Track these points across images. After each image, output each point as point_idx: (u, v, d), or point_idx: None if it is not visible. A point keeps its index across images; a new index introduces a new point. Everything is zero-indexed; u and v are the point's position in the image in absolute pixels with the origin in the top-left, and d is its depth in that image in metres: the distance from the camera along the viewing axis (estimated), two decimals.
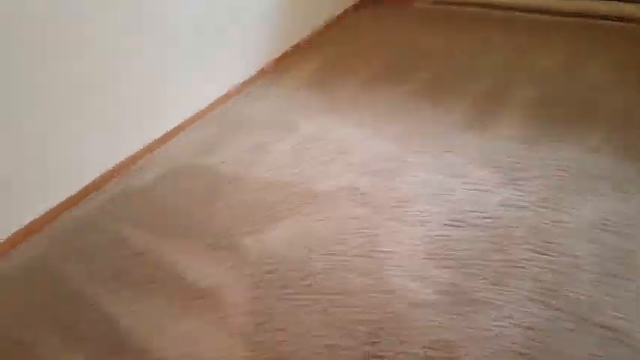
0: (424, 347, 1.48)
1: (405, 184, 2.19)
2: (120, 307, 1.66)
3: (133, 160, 2.42)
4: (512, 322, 1.54)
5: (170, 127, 2.63)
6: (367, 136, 2.55)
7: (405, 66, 3.28)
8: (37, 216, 2.01)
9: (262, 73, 3.29)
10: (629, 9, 3.76)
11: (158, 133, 2.56)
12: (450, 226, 1.95)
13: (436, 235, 1.90)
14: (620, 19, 3.78)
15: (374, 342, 1.50)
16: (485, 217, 1.98)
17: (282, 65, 3.39)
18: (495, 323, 1.54)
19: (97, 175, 2.26)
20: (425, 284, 1.70)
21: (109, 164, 2.31)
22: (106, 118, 2.24)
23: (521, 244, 1.84)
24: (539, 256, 1.79)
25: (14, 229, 1.94)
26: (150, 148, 2.51)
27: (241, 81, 3.13)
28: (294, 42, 3.61)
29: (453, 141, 2.46)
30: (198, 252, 1.87)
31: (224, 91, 2.99)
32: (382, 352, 1.46)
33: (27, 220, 1.98)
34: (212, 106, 2.90)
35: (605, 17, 3.84)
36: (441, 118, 2.66)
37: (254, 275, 1.75)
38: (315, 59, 3.46)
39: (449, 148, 2.42)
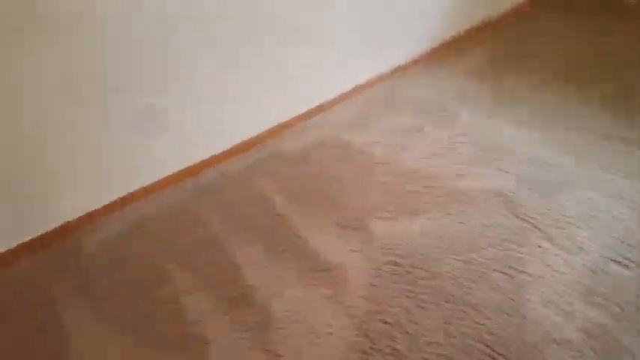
0: None
1: (568, 202, 1.91)
2: (248, 261, 1.75)
3: (287, 126, 2.54)
4: None
5: (327, 99, 2.69)
6: (532, 141, 2.29)
7: (585, 70, 2.85)
8: (191, 164, 2.23)
9: (430, 56, 3.15)
10: None
11: (315, 103, 2.64)
12: (615, 261, 1.66)
13: (596, 269, 1.63)
14: None
15: None
16: None
17: (451, 50, 3.21)
18: None
19: (251, 135, 2.42)
20: (569, 320, 1.47)
21: (264, 127, 2.46)
22: (273, 84, 2.37)
23: None
24: None
25: (167, 173, 2.17)
26: (306, 116, 2.61)
27: (406, 61, 3.04)
28: (467, 27, 3.36)
29: (633, 161, 2.08)
30: (330, 227, 1.88)
31: (387, 70, 2.94)
32: None
33: (183, 165, 2.21)
34: (372, 83, 2.88)
35: None
36: (622, 132, 2.26)
37: (378, 262, 1.71)
38: (487, 49, 3.19)
39: (629, 169, 2.05)
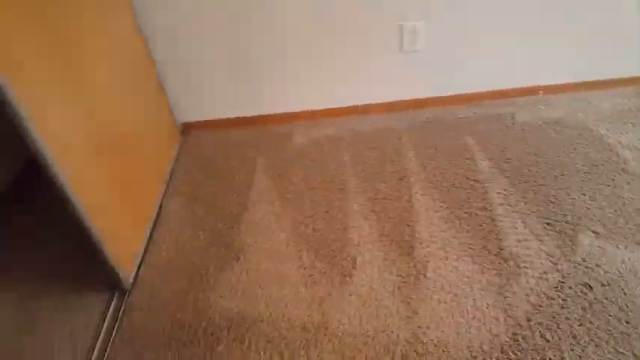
0: None
1: None
2: (426, 212, 1.75)
3: (533, 91, 2.39)
4: None
5: (591, 78, 2.38)
6: None
7: None
8: (410, 98, 2.29)
9: None
10: None
11: (574, 79, 2.39)
12: None
13: None
14: None
15: None
16: None
17: None
18: None
19: (492, 88, 2.35)
20: None
21: (510, 85, 2.36)
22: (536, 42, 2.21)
23: None
24: None
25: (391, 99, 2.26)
26: (558, 89, 2.40)
27: None
28: None
29: None
30: (529, 216, 1.72)
31: None
32: None
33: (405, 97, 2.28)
34: None
35: None
36: None
37: (568, 277, 1.51)
38: None
39: None
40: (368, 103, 2.29)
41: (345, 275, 1.56)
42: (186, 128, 2.33)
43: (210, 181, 2.03)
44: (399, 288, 1.51)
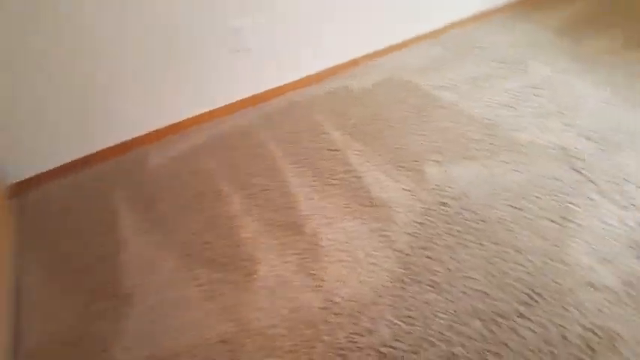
0: (585, 328, 1.36)
1: (632, 162, 1.88)
2: (302, 191, 1.90)
3: (358, 63, 2.63)
4: None
5: (402, 39, 2.72)
6: (603, 99, 2.21)
7: None
8: (262, 90, 2.40)
9: (513, 7, 3.03)
10: None
11: (387, 43, 2.70)
12: None
13: None
14: None
15: (529, 304, 1.43)
16: None
17: (536, 4, 3.06)
18: None
19: (319, 69, 2.54)
20: (612, 270, 1.51)
21: (333, 62, 2.57)
22: (344, 21, 2.45)
23: None
24: None
25: (238, 97, 2.37)
26: (376, 56, 2.67)
27: (488, 8, 2.95)
28: None
29: None
30: (385, 165, 1.98)
31: (465, 15, 2.88)
32: (534, 316, 1.40)
33: (254, 91, 2.39)
34: (449, 27, 2.85)
35: None
36: None
37: (428, 202, 1.79)
38: (573, 7, 3.02)
39: None
40: (213, 108, 2.33)
41: (248, 274, 1.61)
42: (21, 187, 2.06)
43: (70, 237, 1.82)
44: (300, 265, 1.62)
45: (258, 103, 2.41)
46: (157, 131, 2.24)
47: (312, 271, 1.60)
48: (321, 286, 1.55)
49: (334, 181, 1.93)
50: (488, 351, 1.32)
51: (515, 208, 1.74)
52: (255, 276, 1.60)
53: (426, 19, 2.76)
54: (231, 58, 2.20)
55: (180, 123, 2.28)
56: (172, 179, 2.03)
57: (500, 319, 1.39)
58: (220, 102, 2.33)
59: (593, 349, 1.32)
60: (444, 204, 1.79)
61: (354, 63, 2.62)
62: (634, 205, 1.70)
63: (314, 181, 1.94)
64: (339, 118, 2.26)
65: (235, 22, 2.11)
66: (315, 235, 1.72)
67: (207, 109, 2.32)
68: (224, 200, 1.90)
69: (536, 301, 1.44)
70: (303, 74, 2.50)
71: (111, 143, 2.16)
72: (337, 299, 1.50)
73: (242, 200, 1.89)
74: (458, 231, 1.68)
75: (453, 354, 1.32)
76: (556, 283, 1.49)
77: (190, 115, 2.29)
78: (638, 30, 2.70)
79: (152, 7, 1.87)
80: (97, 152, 2.14)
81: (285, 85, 2.46)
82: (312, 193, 1.89)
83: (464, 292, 1.48)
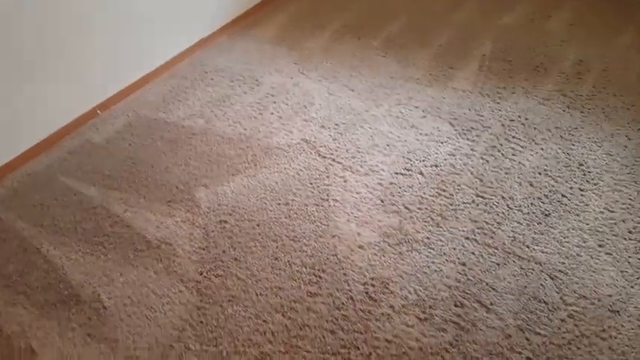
0: (364, 284, 1.57)
1: (362, 137, 2.24)
2: (70, 260, 1.72)
3: (95, 112, 2.45)
4: (447, 258, 1.64)
5: (134, 79, 2.64)
6: (330, 90, 2.58)
7: (373, 21, 3.26)
8: None
9: (230, 26, 3.26)
10: None
11: (121, 86, 2.58)
12: (400, 174, 2.02)
13: (386, 184, 1.97)
14: None
15: (317, 282, 1.58)
16: (433, 166, 2.05)
17: (250, 18, 3.36)
18: (431, 260, 1.63)
19: (52, 130, 2.30)
20: (370, 228, 1.78)
21: (69, 118, 2.36)
22: (71, 71, 2.27)
23: (464, 189, 1.92)
24: (480, 199, 1.87)
25: None
26: (113, 101, 2.54)
27: (209, 34, 3.11)
28: None
29: (412, 94, 2.50)
30: (153, 205, 1.93)
31: (191, 44, 2.98)
32: (323, 290, 1.55)
33: None
34: (178, 59, 2.90)
35: None
36: (404, 72, 2.68)
37: (206, 226, 1.82)
38: (284, 12, 3.42)
39: (408, 101, 2.45)
40: None
41: None
42: None
43: None
44: (89, 336, 1.47)
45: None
46: None
47: (103, 337, 1.46)
48: (116, 349, 1.43)
49: (103, 239, 1.79)
50: (294, 337, 1.42)
51: (283, 204, 1.90)
52: None
53: (151, 56, 2.76)
54: None
55: None
56: None
57: (296, 305, 1.51)
58: None
59: (374, 299, 1.53)
60: (221, 222, 1.84)
61: (86, 118, 2.42)
62: (371, 170, 2.04)
63: (79, 246, 1.77)
64: (89, 174, 2.10)
65: None
66: (95, 300, 1.57)
67: None
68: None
69: (320, 278, 1.60)
70: (32, 143, 2.23)
71: None
72: (136, 354, 1.41)
73: (3, 293, 1.61)
74: (240, 242, 1.75)
75: (264, 353, 1.37)
76: (333, 255, 1.68)
77: None
78: (345, 22, 3.22)
79: None
80: None
81: (16, 157, 2.15)
82: (81, 258, 1.72)
83: (260, 294, 1.55)
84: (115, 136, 2.32)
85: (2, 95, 2.02)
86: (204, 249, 1.73)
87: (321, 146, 2.20)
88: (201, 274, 1.64)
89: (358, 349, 1.38)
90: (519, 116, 2.30)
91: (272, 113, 2.45)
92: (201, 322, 1.47)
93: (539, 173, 1.98)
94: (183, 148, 2.23)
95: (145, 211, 1.90)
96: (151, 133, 2.35)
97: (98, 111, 2.50)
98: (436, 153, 2.12)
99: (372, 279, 1.59)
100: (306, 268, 1.63)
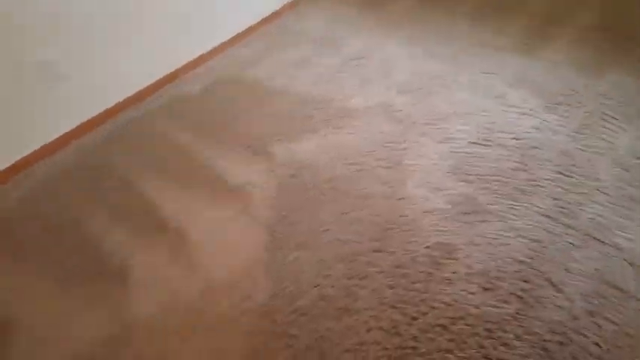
0: (427, 247, 1.57)
1: (441, 103, 2.19)
2: (161, 195, 1.87)
3: (185, 70, 2.60)
4: (519, 233, 1.59)
5: (219, 42, 2.77)
6: (412, 56, 2.53)
7: None
8: (96, 114, 2.27)
9: None
10: None
11: (207, 48, 2.71)
12: (477, 144, 1.96)
13: (461, 152, 1.93)
14: None
15: (381, 239, 1.61)
16: (515, 139, 1.96)
17: None
18: (501, 233, 1.59)
19: (151, 81, 2.46)
20: (440, 195, 1.76)
21: (163, 73, 2.51)
22: (162, 31, 2.41)
23: (547, 166, 1.83)
24: (563, 177, 1.78)
25: (72, 126, 2.21)
26: (200, 61, 2.67)
27: None
28: None
29: (499, 63, 2.39)
30: (233, 154, 2.03)
31: (275, 8, 3.04)
32: (387, 248, 1.58)
33: (88, 116, 2.25)
34: (263, 22, 2.98)
35: None
36: (491, 40, 2.57)
37: (280, 177, 1.90)
38: None
39: (494, 69, 2.35)
40: (53, 139, 2.13)
41: (123, 279, 1.56)
42: None
43: None
44: (172, 259, 1.61)
45: (93, 128, 2.27)
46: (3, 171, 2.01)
47: (186, 261, 1.60)
48: (197, 272, 1.56)
49: (191, 179, 1.93)
50: (354, 285, 1.46)
51: (355, 164, 1.93)
52: (130, 279, 1.57)
53: (241, 17, 2.86)
54: (48, 89, 2.04)
55: (25, 158, 2.06)
56: (30, 215, 1.85)
57: (359, 257, 1.55)
58: (54, 135, 2.15)
59: (438, 263, 1.53)
60: (295, 175, 1.90)
61: (181, 71, 2.60)
62: (448, 138, 2.00)
63: (170, 183, 1.92)
64: (182, 122, 2.25)
65: (44, 54, 1.96)
66: (181, 230, 1.72)
67: (43, 143, 2.12)
68: (84, 221, 1.79)
69: (385, 236, 1.62)
70: (133, 91, 2.41)
71: None
72: (213, 278, 1.53)
73: (102, 216, 1.80)
74: (311, 195, 1.80)
75: (325, 295, 1.43)
76: (401, 216, 1.69)
77: (32, 150, 2.08)
78: None
79: None
80: None
81: (117, 103, 2.35)
82: (170, 194, 1.87)
83: (325, 243, 1.60)
84: (205, 91, 2.45)
85: (121, 49, 2.22)
86: (277, 197, 1.81)
87: (398, 111, 2.18)
88: (273, 218, 1.72)
89: (416, 306, 1.40)
90: (617, 94, 2.12)
91: (352, 76, 2.45)
92: (270, 261, 1.56)
93: (634, 157, 1.83)
94: (264, 105, 2.31)
95: (227, 159, 2.01)
96: (236, 89, 2.45)
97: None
98: (519, 125, 2.03)
99: (438, 243, 1.58)
100: (372, 225, 1.66)
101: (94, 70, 2.18)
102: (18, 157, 2.04)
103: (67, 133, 2.19)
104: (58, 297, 1.54)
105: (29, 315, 1.49)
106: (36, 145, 2.09)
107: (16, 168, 2.04)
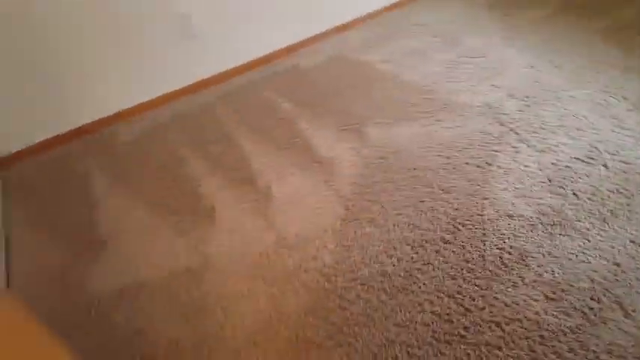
0: (500, 249, 1.56)
1: (549, 114, 2.11)
2: (255, 153, 2.07)
3: (304, 45, 2.79)
4: (601, 254, 1.51)
5: (340, 22, 2.92)
6: (530, 63, 2.45)
7: (602, 3, 2.91)
8: (216, 72, 2.54)
9: None
10: None
11: (331, 25, 2.89)
12: (580, 160, 1.87)
13: (560, 165, 1.85)
14: None
15: (453, 232, 1.63)
16: (622, 162, 1.84)
17: None
18: (583, 251, 1.53)
19: (270, 51, 2.68)
20: (528, 202, 1.72)
21: (280, 46, 2.73)
22: (295, 8, 2.63)
23: None
24: None
25: (196, 79, 2.51)
26: (320, 38, 2.85)
27: None
28: None
29: (624, 84, 2.22)
30: (330, 129, 2.16)
31: None
32: (457, 241, 1.59)
33: (210, 73, 2.54)
34: (387, 9, 3.07)
35: None
36: (621, 60, 2.38)
37: (369, 157, 1.98)
38: None
39: (617, 90, 2.19)
40: (172, 90, 2.47)
41: (210, 219, 1.79)
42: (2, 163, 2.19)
43: (52, 198, 2.01)
44: (255, 211, 1.79)
45: (210, 86, 2.56)
46: (124, 111, 2.38)
47: (265, 216, 1.77)
48: (273, 227, 1.72)
49: (285, 145, 2.10)
50: (415, 269, 1.51)
51: (446, 157, 1.94)
52: (216, 220, 1.78)
53: (368, 2, 2.97)
54: (183, 43, 2.35)
55: (144, 104, 2.42)
56: (140, 151, 2.19)
57: (426, 244, 1.59)
58: (177, 85, 2.48)
59: (506, 265, 1.52)
60: (383, 157, 1.97)
61: (300, 46, 2.79)
62: (551, 149, 1.92)
63: (266, 145, 2.11)
64: (288, 92, 2.43)
65: (182, 9, 2.26)
66: (267, 187, 1.89)
67: (163, 92, 2.46)
68: (186, 164, 2.06)
69: (459, 230, 1.63)
70: (252, 57, 2.65)
71: (81, 123, 2.31)
72: (286, 235, 1.68)
73: (201, 163, 2.06)
74: (393, 178, 1.87)
75: (386, 272, 1.50)
76: (478, 215, 1.69)
77: (153, 97, 2.43)
78: (569, 0, 2.96)
79: None
80: (68, 131, 2.29)
81: (237, 66, 2.61)
82: (264, 155, 2.06)
83: (396, 225, 1.66)
84: (315, 66, 2.61)
85: (250, 25, 2.46)
86: (361, 175, 1.90)
87: (503, 114, 2.14)
88: (352, 194, 1.82)
89: (473, 300, 1.41)
90: None
91: (464, 73, 2.44)
92: (341, 230, 1.66)
93: None
94: (371, 87, 2.40)
95: (322, 131, 2.14)
96: (347, 68, 2.57)
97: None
98: (630, 150, 1.89)
99: (511, 247, 1.56)
100: (447, 217, 1.68)
101: (229, 31, 2.47)
102: (145, 99, 2.40)
103: (184, 88, 2.49)
104: (153, 222, 1.81)
105: (125, 232, 1.78)
106: (148, 96, 2.44)
107: (142, 108, 2.40)
